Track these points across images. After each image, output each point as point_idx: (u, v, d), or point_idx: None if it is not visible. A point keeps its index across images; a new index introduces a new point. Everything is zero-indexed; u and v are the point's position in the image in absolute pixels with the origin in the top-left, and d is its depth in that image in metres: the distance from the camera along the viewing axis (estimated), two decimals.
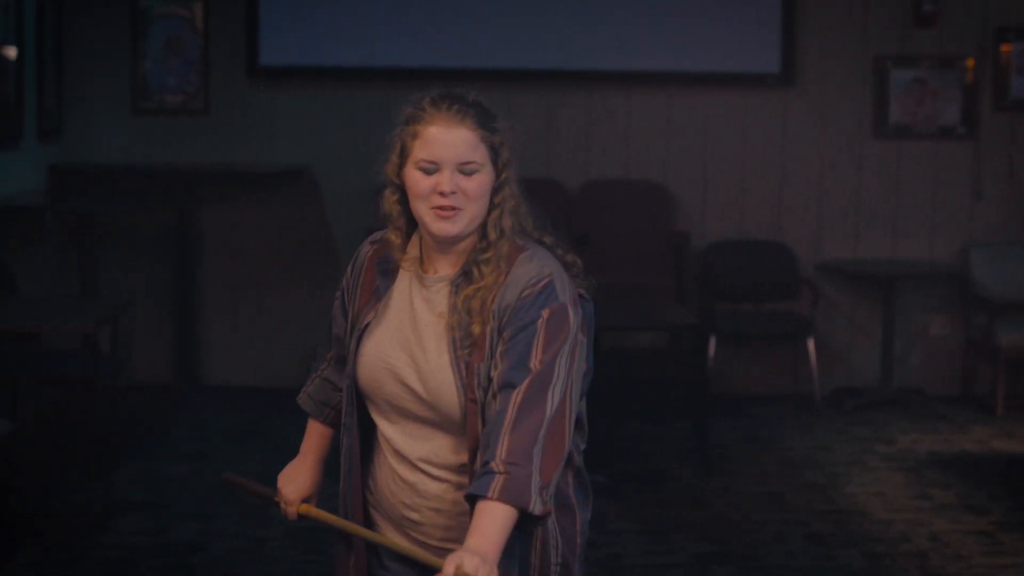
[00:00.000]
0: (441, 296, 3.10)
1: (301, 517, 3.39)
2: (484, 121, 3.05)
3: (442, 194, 3.00)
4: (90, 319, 6.85)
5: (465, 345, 3.03)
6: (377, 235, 3.26)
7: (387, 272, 3.18)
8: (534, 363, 2.93)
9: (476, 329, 3.02)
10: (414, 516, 3.18)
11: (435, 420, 3.09)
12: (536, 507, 2.85)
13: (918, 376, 9.54)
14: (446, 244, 3.08)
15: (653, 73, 9.43)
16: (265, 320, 9.43)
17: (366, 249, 3.26)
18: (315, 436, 3.46)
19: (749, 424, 8.74)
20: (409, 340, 3.10)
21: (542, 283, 3.01)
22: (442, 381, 3.05)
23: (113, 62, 9.37)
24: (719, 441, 8.18)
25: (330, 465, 3.40)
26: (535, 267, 3.04)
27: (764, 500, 7.21)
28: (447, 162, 3.01)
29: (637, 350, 9.38)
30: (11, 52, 8.04)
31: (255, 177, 9.34)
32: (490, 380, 2.98)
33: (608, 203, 9.41)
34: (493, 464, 2.85)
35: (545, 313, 2.98)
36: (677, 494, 7.30)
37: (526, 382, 2.92)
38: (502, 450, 2.86)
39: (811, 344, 9.19)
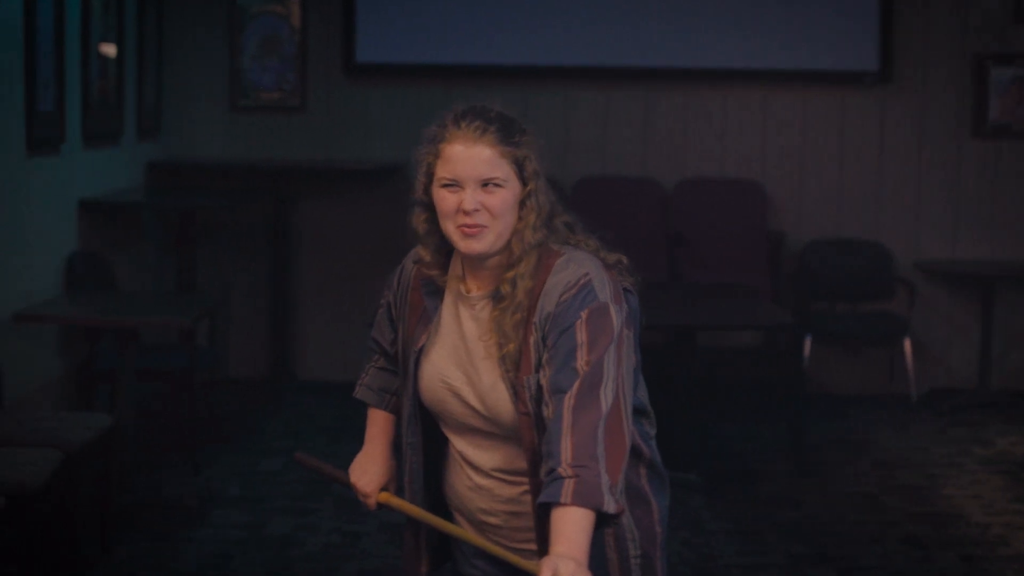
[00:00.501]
0: (485, 313, 3.11)
1: (380, 506, 3.39)
2: (505, 136, 3.04)
3: (465, 212, 3.01)
4: (188, 315, 6.91)
5: (509, 364, 3.04)
6: (418, 252, 3.25)
7: (433, 292, 3.19)
8: (580, 364, 2.93)
9: (511, 347, 3.03)
10: (492, 520, 3.21)
11: (500, 433, 3.12)
12: (609, 506, 2.85)
13: (1017, 377, 9.43)
14: (477, 261, 3.09)
15: (749, 71, 9.39)
16: (360, 316, 9.46)
17: (410, 267, 3.27)
18: (379, 423, 3.46)
19: (844, 424, 8.68)
20: (463, 360, 3.13)
21: (579, 284, 3.01)
22: (498, 398, 3.07)
23: (211, 60, 9.45)
24: (814, 441, 8.12)
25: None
26: (571, 271, 3.03)
27: (859, 501, 7.16)
28: (468, 180, 3.01)
29: (732, 349, 9.34)
30: (111, 50, 8.13)
31: (351, 174, 9.39)
32: (540, 388, 2.98)
33: (704, 201, 9.38)
34: (560, 470, 2.85)
35: (584, 314, 2.97)
36: (772, 494, 7.26)
37: (576, 384, 2.91)
38: (566, 454, 2.86)
39: (908, 344, 9.11)
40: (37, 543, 5.36)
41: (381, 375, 3.45)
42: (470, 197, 3.00)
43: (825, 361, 9.43)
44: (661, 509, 3.23)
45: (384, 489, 3.39)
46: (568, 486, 2.82)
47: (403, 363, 3.25)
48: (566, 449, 2.86)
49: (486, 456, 3.16)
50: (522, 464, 3.10)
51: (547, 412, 2.94)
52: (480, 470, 3.18)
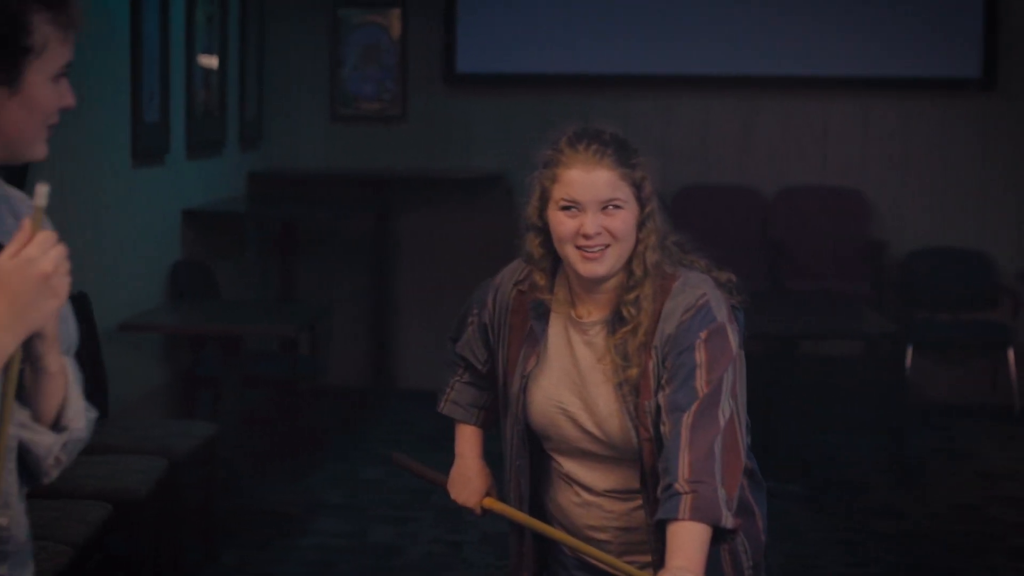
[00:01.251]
0: (600, 339, 3.09)
1: (486, 511, 3.40)
2: (623, 159, 3.02)
3: (586, 236, 2.99)
4: (291, 323, 6.97)
5: (628, 390, 3.03)
6: (518, 274, 3.24)
7: (541, 315, 3.16)
8: (700, 384, 2.93)
9: (633, 372, 3.02)
10: (601, 536, 3.19)
11: (617, 456, 3.11)
12: (727, 521, 2.85)
13: None
14: (594, 284, 3.07)
15: (850, 78, 9.33)
16: None
17: (508, 288, 3.24)
18: (469, 437, 3.46)
19: (947, 435, 8.59)
20: (576, 385, 3.11)
21: (697, 305, 3.00)
22: (616, 424, 3.06)
23: (312, 70, 9.52)
24: (916, 451, 8.06)
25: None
26: (689, 293, 3.03)
27: (962, 513, 7.09)
28: (589, 203, 2.99)
29: (833, 358, 9.27)
30: (213, 62, 8.22)
31: (451, 183, 9.43)
32: (659, 410, 2.98)
33: (804, 210, 9.33)
34: (677, 486, 2.85)
35: (703, 334, 2.97)
36: (874, 505, 7.21)
37: (695, 404, 2.91)
38: (683, 471, 2.85)
39: (1011, 354, 8.99)
40: (143, 550, 5.42)
41: (468, 390, 3.44)
42: (591, 220, 2.99)
43: (927, 371, 9.33)
44: (764, 517, 3.24)
45: (486, 495, 3.41)
46: (686, 502, 2.83)
47: (504, 386, 3.24)
48: (683, 465, 2.86)
49: (598, 476, 3.16)
50: (635, 483, 3.10)
51: (664, 430, 2.94)
52: (591, 489, 3.17)
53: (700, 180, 9.36)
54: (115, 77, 6.75)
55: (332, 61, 9.52)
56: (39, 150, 2.36)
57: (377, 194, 9.34)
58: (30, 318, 2.16)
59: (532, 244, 3.12)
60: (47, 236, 2.17)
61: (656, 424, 2.98)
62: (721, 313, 3.01)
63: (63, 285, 2.18)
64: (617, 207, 3.00)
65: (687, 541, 2.81)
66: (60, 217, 5.98)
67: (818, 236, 9.27)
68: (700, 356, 2.95)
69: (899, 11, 9.24)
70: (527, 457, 3.22)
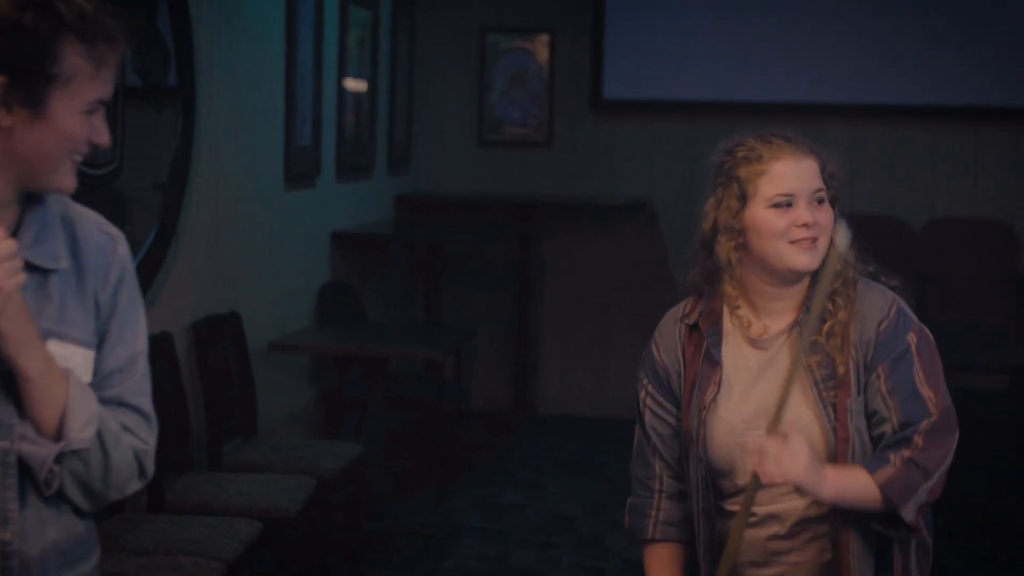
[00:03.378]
0: (784, 351, 3.04)
1: None
2: (818, 150, 3.06)
3: (805, 226, 2.97)
4: (438, 347, 7.02)
5: (830, 385, 2.98)
6: (680, 311, 3.17)
7: (717, 342, 3.08)
8: (927, 392, 2.94)
9: (841, 369, 2.97)
10: (782, 546, 3.08)
11: None
12: (908, 515, 2.87)
13: None
14: (790, 282, 3.04)
15: (1001, 109, 9.21)
16: (602, 351, 9.51)
17: (673, 328, 3.16)
18: (668, 564, 3.23)
19: None
20: (765, 406, 2.99)
21: (893, 309, 3.01)
22: (818, 430, 2.98)
23: (460, 95, 9.61)
24: None
25: None
26: (877, 295, 3.03)
27: None
28: (802, 193, 2.99)
29: (977, 391, 9.15)
30: (363, 86, 8.32)
31: (596, 210, 9.45)
32: (861, 414, 2.97)
33: (952, 241, 9.23)
34: (893, 455, 2.90)
35: (912, 337, 2.99)
36: (1019, 543, 7.10)
37: (926, 423, 2.94)
38: (911, 450, 2.91)
39: None
40: (291, 568, 5.50)
41: (674, 506, 3.22)
42: (805, 211, 2.98)
43: None
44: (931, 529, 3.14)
45: None
46: (887, 472, 2.88)
47: (686, 427, 3.11)
48: (916, 447, 2.91)
49: (789, 505, 3.05)
50: (824, 506, 3.00)
51: (887, 428, 2.95)
52: (779, 519, 3.06)
53: (846, 209, 9.26)
54: (271, 102, 6.86)
55: (480, 87, 9.60)
56: (63, 181, 2.35)
57: (522, 219, 9.39)
58: None
59: (727, 249, 3.05)
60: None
61: (856, 425, 2.96)
62: (913, 315, 3.04)
63: (7, 283, 2.20)
64: (821, 200, 3.02)
65: (851, 480, 2.88)
66: (213, 238, 6.12)
67: (966, 268, 9.16)
68: (916, 362, 2.97)
69: None
70: (711, 497, 3.09)
